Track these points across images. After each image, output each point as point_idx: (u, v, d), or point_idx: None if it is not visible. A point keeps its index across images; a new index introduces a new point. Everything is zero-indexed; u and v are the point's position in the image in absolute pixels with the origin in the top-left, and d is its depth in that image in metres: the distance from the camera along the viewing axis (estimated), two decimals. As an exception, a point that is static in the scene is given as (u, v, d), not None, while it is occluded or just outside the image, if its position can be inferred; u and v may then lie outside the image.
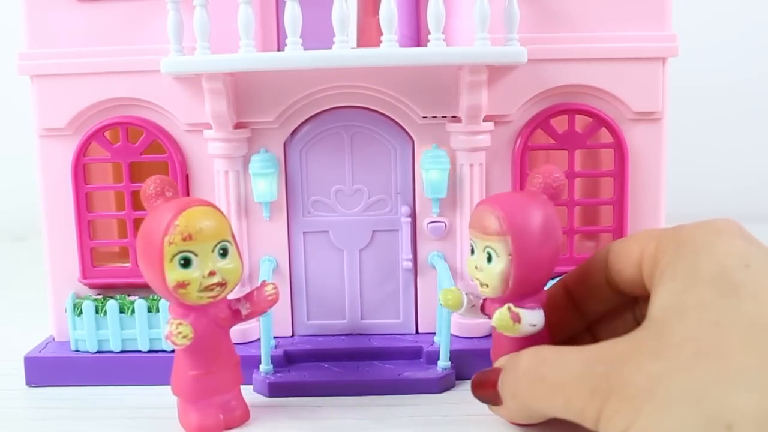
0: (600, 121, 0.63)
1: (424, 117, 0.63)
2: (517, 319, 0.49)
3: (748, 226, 0.46)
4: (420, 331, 0.66)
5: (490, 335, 0.64)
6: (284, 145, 0.64)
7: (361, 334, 0.66)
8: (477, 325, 0.63)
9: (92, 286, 0.65)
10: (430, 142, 0.63)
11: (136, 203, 0.62)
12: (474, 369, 0.60)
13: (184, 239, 0.48)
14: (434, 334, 0.65)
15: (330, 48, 0.56)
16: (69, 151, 0.63)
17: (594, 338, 0.54)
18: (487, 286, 0.50)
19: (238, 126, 0.62)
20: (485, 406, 0.55)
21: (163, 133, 0.63)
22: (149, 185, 0.52)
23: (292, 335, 0.66)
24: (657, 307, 0.42)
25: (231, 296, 0.52)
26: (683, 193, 0.99)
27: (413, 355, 0.62)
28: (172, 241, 0.48)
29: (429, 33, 0.57)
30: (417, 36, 0.67)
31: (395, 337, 0.65)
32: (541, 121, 0.63)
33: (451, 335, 0.61)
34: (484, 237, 0.50)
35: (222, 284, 0.50)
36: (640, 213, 0.64)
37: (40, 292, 0.67)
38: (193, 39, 0.57)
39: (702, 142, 1.30)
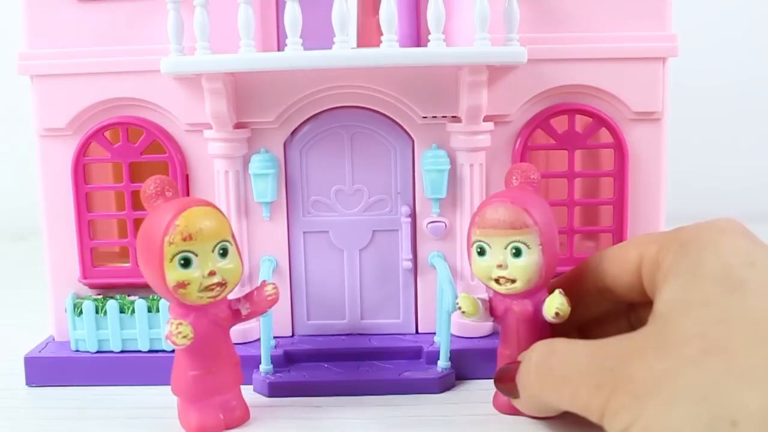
0: (600, 121, 0.63)
1: (424, 117, 0.63)
2: (570, 302, 0.50)
3: (748, 226, 0.46)
4: (420, 331, 0.66)
5: (489, 335, 0.64)
6: (284, 145, 0.64)
7: (361, 334, 0.66)
8: (477, 325, 0.63)
9: (92, 286, 0.65)
10: (430, 142, 0.63)
11: (136, 203, 0.62)
12: (474, 369, 0.60)
13: (184, 239, 0.48)
14: (434, 334, 0.65)
15: (330, 48, 0.56)
16: (69, 151, 0.63)
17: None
18: (515, 281, 0.50)
19: (238, 126, 0.62)
20: (486, 405, 0.55)
21: (163, 133, 0.63)
22: (149, 185, 0.52)
23: (292, 335, 0.66)
24: (662, 303, 0.42)
25: (231, 296, 0.52)
26: (683, 193, 0.99)
27: (413, 355, 0.62)
28: (172, 241, 0.48)
29: (429, 33, 0.57)
30: (417, 36, 0.67)
31: (395, 337, 0.65)
32: (541, 121, 0.63)
33: (451, 335, 0.61)
34: (510, 233, 0.50)
35: (222, 284, 0.50)
36: (640, 213, 0.64)
37: (40, 292, 0.67)
38: (193, 39, 0.57)
39: (702, 142, 1.30)
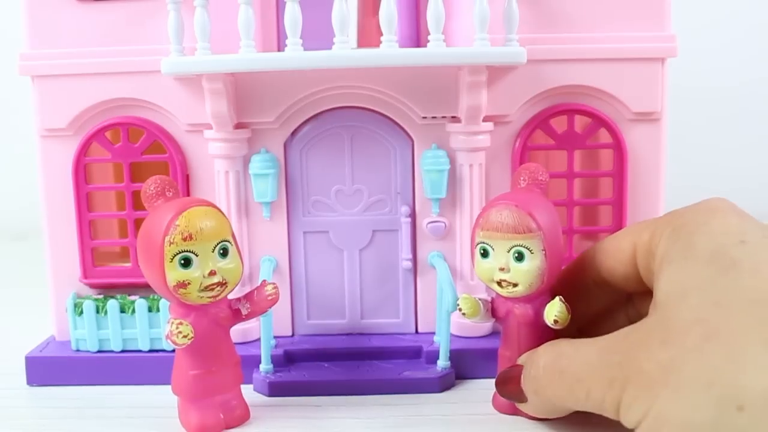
0: (599, 121, 0.63)
1: (423, 117, 0.63)
2: (570, 309, 0.50)
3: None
4: (420, 330, 0.66)
5: (489, 335, 0.64)
6: (284, 145, 0.64)
7: (361, 334, 0.66)
8: (477, 324, 0.63)
9: (93, 286, 0.65)
10: (429, 143, 0.63)
11: (137, 203, 0.62)
12: (473, 368, 0.60)
13: (185, 239, 0.48)
14: (434, 333, 0.65)
15: (330, 48, 0.57)
16: (70, 152, 0.63)
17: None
18: (516, 285, 0.50)
19: (239, 126, 0.62)
20: (486, 405, 0.55)
21: (164, 134, 0.63)
22: (150, 185, 0.52)
23: (292, 335, 0.66)
24: (660, 292, 0.42)
25: (231, 296, 0.52)
26: (682, 193, 0.99)
27: (413, 354, 0.62)
28: (173, 241, 0.48)
29: (429, 33, 0.57)
30: (417, 36, 0.67)
31: (395, 337, 0.65)
32: (540, 122, 0.63)
33: (451, 335, 0.61)
34: (513, 236, 0.50)
35: (222, 284, 0.50)
36: (639, 213, 0.64)
37: (40, 292, 0.67)
38: (194, 39, 0.57)
39: (701, 142, 1.30)
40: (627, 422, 0.40)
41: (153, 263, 0.49)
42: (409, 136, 0.64)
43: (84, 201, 0.63)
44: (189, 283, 0.49)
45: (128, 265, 0.65)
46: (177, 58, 0.58)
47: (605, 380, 0.41)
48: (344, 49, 0.57)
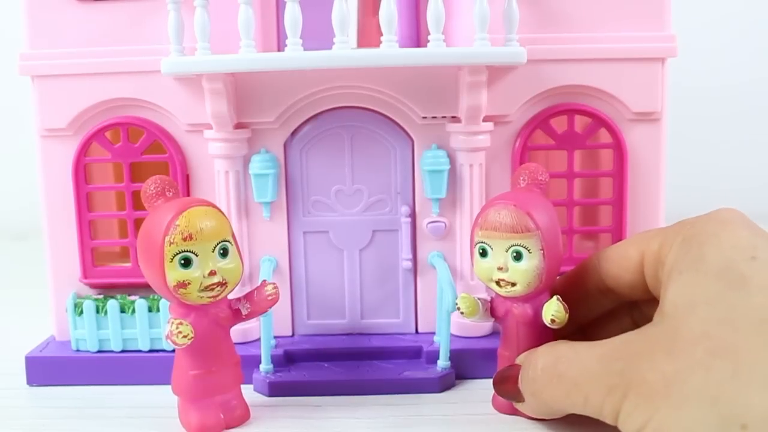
0: (599, 121, 0.63)
1: (423, 117, 0.63)
2: (567, 309, 0.50)
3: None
4: (420, 330, 0.66)
5: (489, 335, 0.64)
6: (284, 145, 0.64)
7: (361, 334, 0.66)
8: (477, 324, 0.63)
9: (93, 286, 0.65)
10: (429, 142, 0.63)
11: (137, 203, 0.62)
12: (473, 368, 0.60)
13: (185, 239, 0.48)
14: (434, 333, 0.65)
15: (330, 48, 0.57)
16: (70, 152, 0.63)
17: (587, 339, 0.54)
18: (514, 284, 0.50)
19: (239, 126, 0.62)
20: (485, 405, 0.55)
21: (164, 134, 0.63)
22: (150, 185, 0.52)
23: (293, 335, 0.66)
24: (668, 302, 0.42)
25: (231, 296, 0.52)
26: (682, 193, 0.99)
27: (413, 354, 0.63)
28: (173, 241, 0.48)
29: (429, 33, 0.57)
30: (417, 36, 0.67)
31: (395, 337, 0.65)
32: (540, 122, 0.63)
33: (451, 335, 0.61)
34: (511, 236, 0.50)
35: (222, 284, 0.50)
36: (639, 213, 0.64)
37: (40, 292, 0.67)
38: (194, 39, 0.57)
39: (701, 142, 1.30)
40: (626, 431, 0.40)
41: (153, 263, 0.49)
42: (409, 136, 0.64)
43: (84, 201, 0.63)
44: (189, 283, 0.49)
45: (128, 265, 0.65)
46: (177, 58, 0.58)
47: (605, 387, 0.41)
48: (344, 49, 0.57)
